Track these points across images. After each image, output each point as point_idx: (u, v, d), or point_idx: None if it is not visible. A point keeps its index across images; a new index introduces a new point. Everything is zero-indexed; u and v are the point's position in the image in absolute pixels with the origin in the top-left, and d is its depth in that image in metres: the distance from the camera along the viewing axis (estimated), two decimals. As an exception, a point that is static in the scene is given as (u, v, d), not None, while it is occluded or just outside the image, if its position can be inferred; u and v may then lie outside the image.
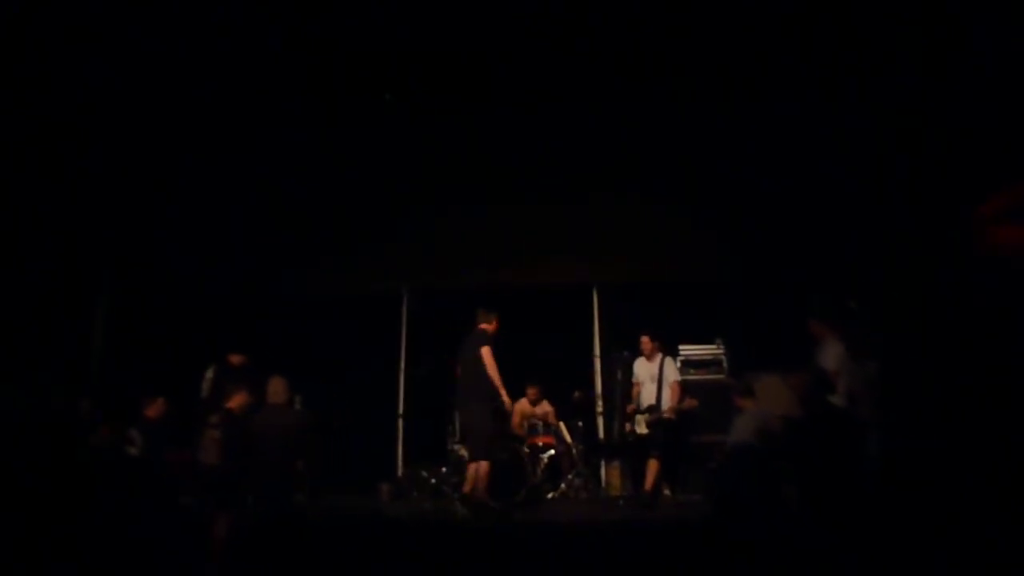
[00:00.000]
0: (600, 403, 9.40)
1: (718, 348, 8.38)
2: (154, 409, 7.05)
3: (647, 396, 7.72)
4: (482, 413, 6.84)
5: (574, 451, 8.52)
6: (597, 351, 9.75)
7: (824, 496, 5.03)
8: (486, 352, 6.82)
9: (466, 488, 6.78)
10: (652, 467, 7.47)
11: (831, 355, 6.48)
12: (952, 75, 5.52)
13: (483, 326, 7.06)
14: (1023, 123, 5.57)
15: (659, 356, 7.77)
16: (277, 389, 6.41)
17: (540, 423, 8.46)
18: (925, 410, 6.21)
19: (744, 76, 5.95)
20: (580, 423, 8.80)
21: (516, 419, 8.76)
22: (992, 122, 5.72)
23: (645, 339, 7.86)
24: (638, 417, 7.66)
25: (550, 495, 8.02)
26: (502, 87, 6.19)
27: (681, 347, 8.34)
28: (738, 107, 6.11)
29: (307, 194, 7.56)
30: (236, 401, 6.27)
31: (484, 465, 6.73)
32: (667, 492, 7.59)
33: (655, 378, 7.66)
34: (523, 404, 8.86)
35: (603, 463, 9.18)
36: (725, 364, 8.28)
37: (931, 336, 6.55)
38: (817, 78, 5.92)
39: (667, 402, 7.52)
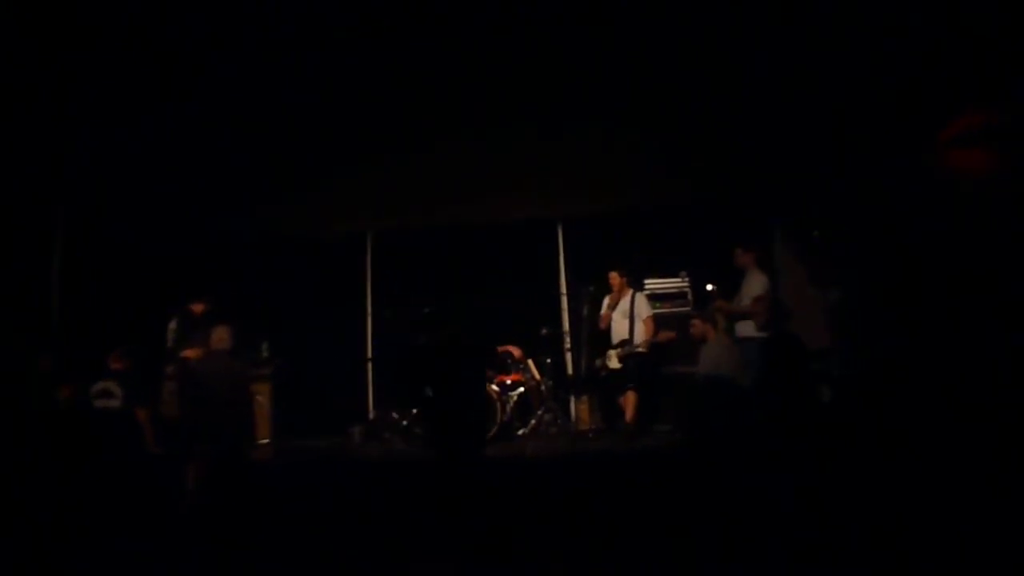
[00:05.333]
0: (567, 339, 9.43)
1: (683, 280, 8.42)
2: (121, 363, 6.97)
3: (619, 331, 7.76)
4: None
5: (543, 387, 8.58)
6: (564, 288, 9.75)
7: (786, 418, 5.10)
8: None
9: None
10: (630, 400, 7.54)
11: (756, 283, 6.91)
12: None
13: None
14: (985, 50, 5.56)
15: (629, 292, 7.81)
16: (221, 336, 6.42)
17: (508, 360, 8.48)
18: (887, 334, 6.33)
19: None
20: (548, 360, 8.83)
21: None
22: (955, 49, 5.69)
23: (613, 275, 7.89)
24: (609, 352, 7.71)
25: (520, 432, 8.10)
26: (458, 21, 6.01)
27: (647, 281, 8.37)
28: (701, 30, 5.96)
29: (268, 137, 7.35)
30: (191, 352, 6.27)
31: None
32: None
33: (627, 314, 7.72)
34: None
35: (572, 398, 9.28)
36: (690, 296, 8.33)
37: (893, 260, 6.65)
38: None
39: (640, 336, 7.58)
